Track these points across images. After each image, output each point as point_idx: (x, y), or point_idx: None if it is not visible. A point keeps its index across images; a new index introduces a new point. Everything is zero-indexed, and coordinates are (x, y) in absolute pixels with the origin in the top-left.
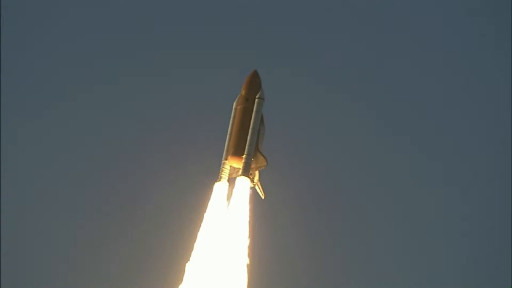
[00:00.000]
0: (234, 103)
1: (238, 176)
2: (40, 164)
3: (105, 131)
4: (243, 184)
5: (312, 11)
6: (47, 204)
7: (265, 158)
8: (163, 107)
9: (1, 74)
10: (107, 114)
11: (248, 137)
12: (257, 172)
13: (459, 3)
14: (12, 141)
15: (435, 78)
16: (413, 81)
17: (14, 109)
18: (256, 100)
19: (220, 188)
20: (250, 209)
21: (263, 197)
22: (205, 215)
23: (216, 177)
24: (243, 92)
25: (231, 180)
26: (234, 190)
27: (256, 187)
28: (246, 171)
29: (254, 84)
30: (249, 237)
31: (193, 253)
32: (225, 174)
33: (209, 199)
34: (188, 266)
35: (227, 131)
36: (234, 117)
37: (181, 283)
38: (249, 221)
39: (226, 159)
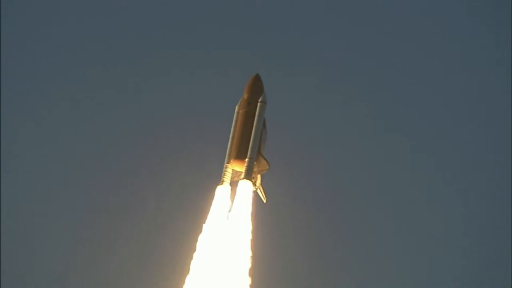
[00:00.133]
0: (237, 107)
1: (240, 179)
2: (40, 164)
3: (105, 131)
4: (245, 188)
5: (313, 12)
6: (47, 204)
7: (267, 161)
8: (165, 110)
9: (1, 74)
10: (107, 114)
11: (251, 141)
12: (259, 176)
13: (459, 3)
14: (12, 141)
15: (435, 78)
16: (413, 81)
17: (14, 109)
18: (259, 103)
19: (222, 191)
20: (252, 213)
21: (265, 201)
22: (207, 218)
23: (218, 180)
24: (245, 96)
25: (233, 184)
26: (236, 193)
27: (258, 191)
28: (249, 175)
29: (256, 87)
30: (251, 240)
31: (195, 255)
32: (227, 178)
33: (211, 202)
34: (191, 268)
35: (229, 135)
36: (236, 120)
37: (183, 286)
38: (251, 225)
39: (228, 163)
